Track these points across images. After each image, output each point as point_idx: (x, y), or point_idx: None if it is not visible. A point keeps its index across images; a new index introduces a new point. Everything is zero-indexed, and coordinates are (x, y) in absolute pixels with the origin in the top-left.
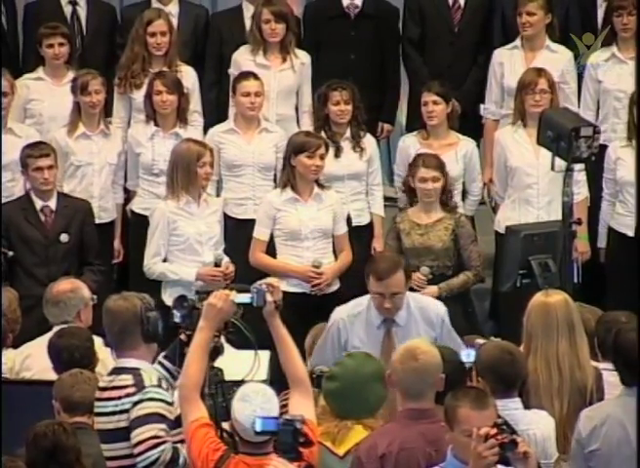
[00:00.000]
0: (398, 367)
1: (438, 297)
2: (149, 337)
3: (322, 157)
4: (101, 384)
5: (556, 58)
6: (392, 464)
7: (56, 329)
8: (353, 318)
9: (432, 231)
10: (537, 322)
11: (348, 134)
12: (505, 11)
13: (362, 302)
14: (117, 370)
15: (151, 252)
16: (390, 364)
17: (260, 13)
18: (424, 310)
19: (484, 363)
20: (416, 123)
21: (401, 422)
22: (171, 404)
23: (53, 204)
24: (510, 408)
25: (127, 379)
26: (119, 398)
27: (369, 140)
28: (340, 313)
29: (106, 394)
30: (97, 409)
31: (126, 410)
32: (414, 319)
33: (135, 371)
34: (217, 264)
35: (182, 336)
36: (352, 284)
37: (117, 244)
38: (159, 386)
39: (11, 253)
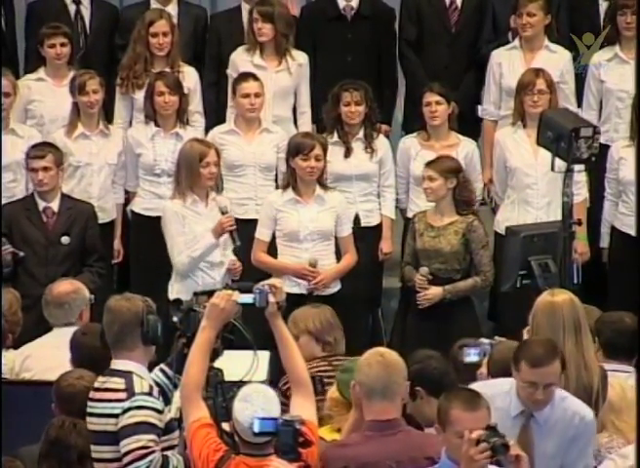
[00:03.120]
0: (363, 363)
1: (442, 299)
2: (148, 340)
3: (318, 158)
4: (96, 384)
5: (555, 59)
6: None
7: (56, 330)
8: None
9: (443, 234)
10: (542, 322)
11: (361, 134)
12: (497, 10)
13: (504, 386)
14: (111, 372)
15: (176, 250)
16: (357, 370)
17: (250, 12)
18: (569, 412)
19: (497, 363)
20: (413, 124)
21: (363, 435)
22: (161, 411)
23: (55, 205)
24: None
25: (119, 383)
26: (109, 401)
27: (382, 141)
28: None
29: (99, 395)
30: (88, 409)
31: (114, 415)
32: (554, 419)
33: (127, 376)
34: (223, 212)
35: (183, 340)
36: (355, 286)
37: (117, 244)
38: (149, 394)
39: (22, 254)
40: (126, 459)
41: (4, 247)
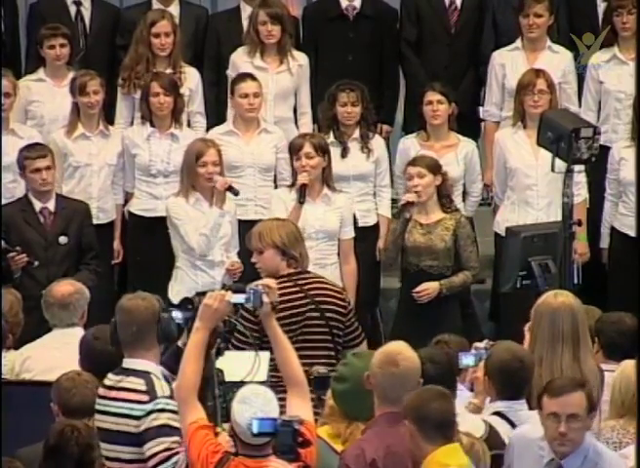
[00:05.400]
0: (377, 371)
1: (439, 294)
2: (165, 338)
3: (308, 156)
4: (108, 382)
5: (558, 59)
6: None
7: (56, 331)
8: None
9: (434, 231)
10: (543, 329)
11: (357, 134)
12: (497, 12)
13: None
14: (126, 371)
15: (190, 235)
16: (370, 366)
17: (256, 14)
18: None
19: (493, 364)
20: (414, 124)
21: (382, 426)
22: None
23: (51, 205)
24: (516, 409)
25: (138, 384)
26: (128, 401)
27: (377, 141)
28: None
29: (113, 394)
30: (99, 407)
31: (135, 416)
32: None
33: (146, 376)
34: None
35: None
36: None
37: (117, 245)
38: (170, 397)
39: (37, 263)
40: (152, 462)
41: (18, 256)
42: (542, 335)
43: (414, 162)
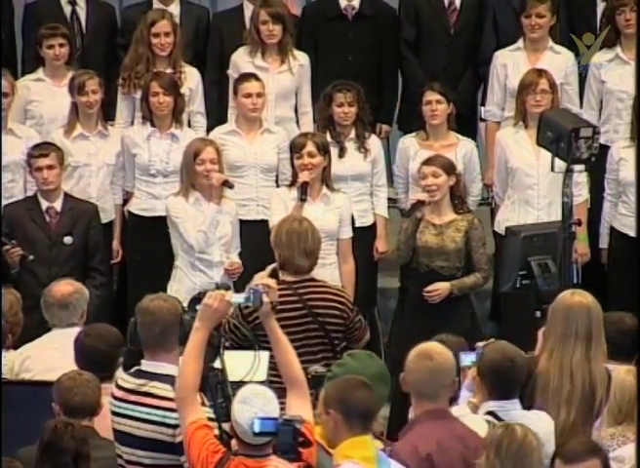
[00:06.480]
0: (412, 367)
1: (449, 294)
2: (186, 341)
3: (311, 155)
4: (125, 385)
5: (560, 60)
6: (436, 464)
7: (56, 331)
8: None
9: (446, 232)
10: (558, 325)
11: (353, 134)
12: (497, 12)
13: None
14: (148, 374)
15: (189, 232)
16: (405, 365)
17: (257, 14)
18: None
19: (485, 364)
20: (410, 124)
21: (426, 423)
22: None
23: (58, 205)
24: (509, 409)
25: (166, 390)
26: (159, 408)
27: (374, 141)
28: None
29: (134, 398)
30: (118, 410)
31: (171, 425)
32: None
33: (173, 381)
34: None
35: None
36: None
37: (116, 244)
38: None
39: (31, 258)
40: None
41: (13, 249)
42: (555, 331)
43: (428, 161)
